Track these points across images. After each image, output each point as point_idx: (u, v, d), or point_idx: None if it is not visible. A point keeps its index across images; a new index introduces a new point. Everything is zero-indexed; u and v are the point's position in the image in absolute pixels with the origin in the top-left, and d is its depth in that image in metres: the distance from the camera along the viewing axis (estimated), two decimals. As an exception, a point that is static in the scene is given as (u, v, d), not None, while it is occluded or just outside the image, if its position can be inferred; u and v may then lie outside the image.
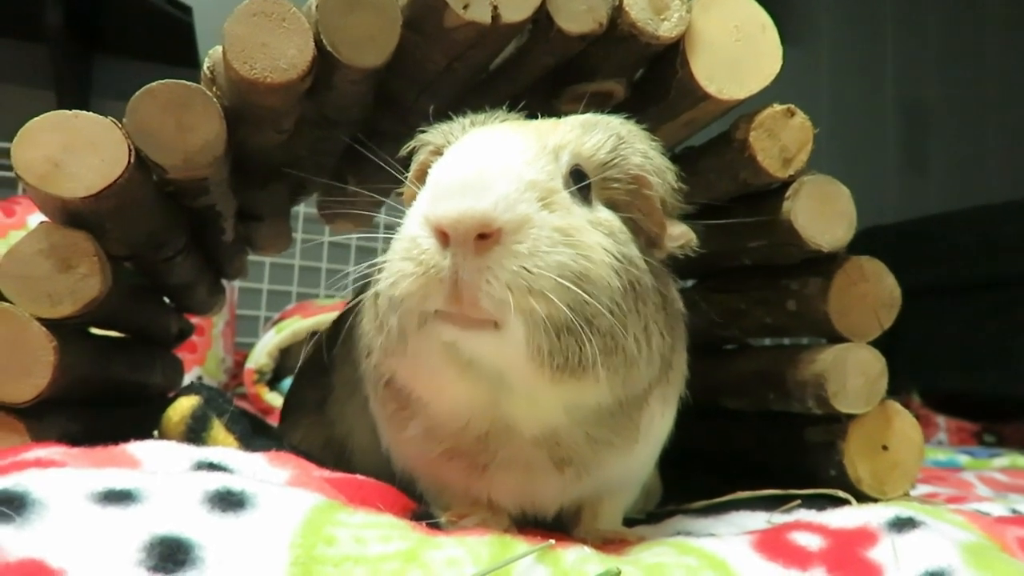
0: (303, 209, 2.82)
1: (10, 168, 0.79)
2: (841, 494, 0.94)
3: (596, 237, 0.68)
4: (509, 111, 0.81)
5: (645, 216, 0.76)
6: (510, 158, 0.67)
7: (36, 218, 2.10)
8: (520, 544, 0.62)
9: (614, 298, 0.67)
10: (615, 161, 0.74)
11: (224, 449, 0.79)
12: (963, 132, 4.21)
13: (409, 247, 0.65)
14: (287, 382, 2.38)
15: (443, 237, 0.63)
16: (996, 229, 2.98)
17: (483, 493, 0.76)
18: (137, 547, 0.52)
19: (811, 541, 0.72)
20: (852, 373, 0.97)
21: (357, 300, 0.80)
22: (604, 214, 0.72)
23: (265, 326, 2.79)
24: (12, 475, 0.58)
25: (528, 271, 0.62)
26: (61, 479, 0.58)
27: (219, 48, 0.84)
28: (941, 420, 2.90)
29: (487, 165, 0.65)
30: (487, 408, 0.71)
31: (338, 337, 1.03)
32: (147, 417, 1.03)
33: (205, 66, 0.88)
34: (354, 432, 0.98)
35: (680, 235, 0.77)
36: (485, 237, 0.62)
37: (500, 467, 0.74)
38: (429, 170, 0.71)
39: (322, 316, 2.46)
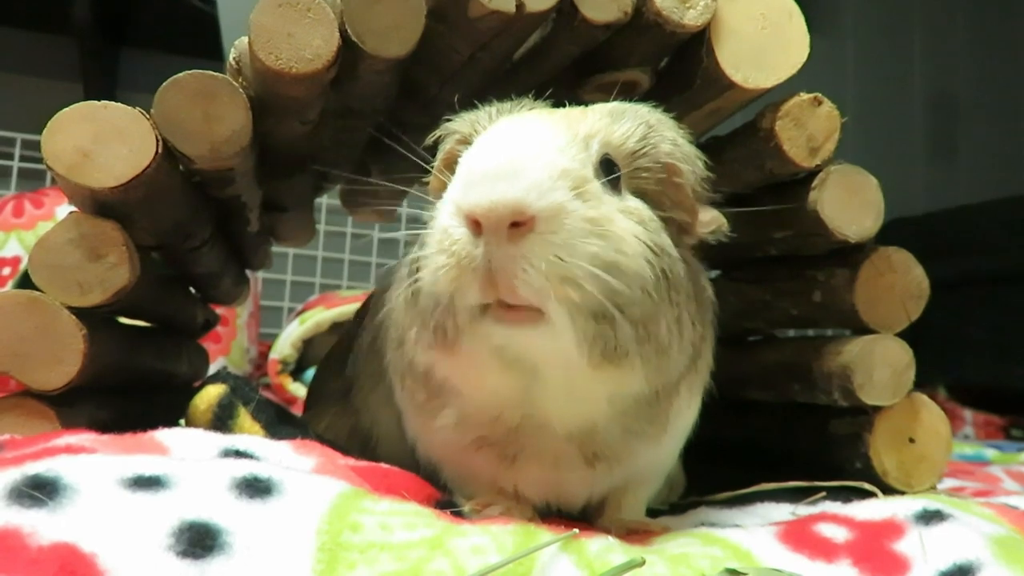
0: (326, 200, 2.86)
1: (39, 160, 0.80)
2: (867, 486, 0.93)
3: (628, 226, 0.68)
4: (534, 101, 0.81)
5: (674, 204, 0.75)
6: (542, 145, 0.66)
7: (64, 209, 2.13)
8: (544, 533, 0.62)
9: (646, 288, 0.66)
10: (644, 149, 0.74)
11: (250, 437, 0.79)
12: (992, 122, 4.14)
13: (442, 239, 0.65)
14: (310, 372, 2.40)
15: (475, 226, 0.62)
16: (1025, 220, 2.93)
17: (510, 483, 0.77)
18: (166, 532, 0.53)
19: (837, 533, 0.71)
20: (879, 365, 0.96)
21: (381, 289, 0.80)
22: (634, 203, 0.72)
23: (288, 317, 2.81)
24: (44, 461, 0.59)
25: (562, 260, 0.62)
26: (91, 465, 0.59)
27: (245, 39, 0.84)
28: (968, 414, 2.86)
29: (519, 152, 0.64)
30: (520, 401, 0.71)
31: (362, 327, 1.04)
32: (174, 405, 1.04)
33: (231, 57, 0.88)
34: (379, 421, 0.99)
35: (711, 220, 0.77)
36: (518, 225, 0.61)
37: (529, 459, 0.74)
38: (456, 159, 0.71)
39: (345, 307, 2.47)
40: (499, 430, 0.74)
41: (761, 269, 1.15)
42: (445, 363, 0.72)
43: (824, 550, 0.68)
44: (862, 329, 0.99)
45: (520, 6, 0.84)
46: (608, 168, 0.71)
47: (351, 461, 0.79)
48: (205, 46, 2.54)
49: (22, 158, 2.69)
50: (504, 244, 0.62)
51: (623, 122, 0.74)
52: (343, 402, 1.07)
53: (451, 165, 0.73)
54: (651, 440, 0.76)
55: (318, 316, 2.50)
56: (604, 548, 0.62)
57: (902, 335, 0.99)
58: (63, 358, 0.81)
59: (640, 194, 0.74)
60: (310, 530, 0.56)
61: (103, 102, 0.81)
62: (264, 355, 2.61)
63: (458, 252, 0.63)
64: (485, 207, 0.61)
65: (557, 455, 0.74)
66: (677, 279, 0.71)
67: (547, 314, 0.63)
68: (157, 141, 0.81)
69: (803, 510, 0.87)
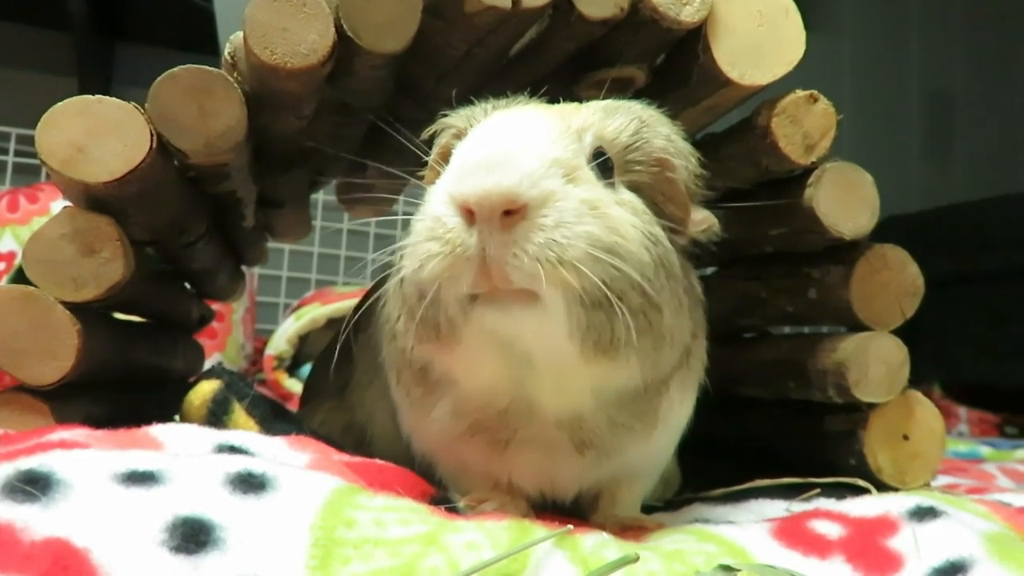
0: (322, 196, 2.86)
1: (34, 154, 0.80)
2: (861, 483, 0.93)
3: (623, 212, 0.68)
4: (530, 97, 0.81)
5: (668, 200, 0.76)
6: (535, 137, 0.67)
7: (59, 204, 2.12)
8: (539, 529, 0.62)
9: (646, 273, 0.66)
10: (638, 144, 0.74)
11: (245, 432, 0.79)
12: (988, 119, 4.14)
13: (433, 227, 0.65)
14: (306, 368, 2.40)
15: (468, 215, 0.63)
16: (1021, 219, 2.94)
17: (503, 474, 0.77)
18: (160, 527, 0.53)
19: (831, 529, 0.71)
20: (874, 362, 0.96)
21: (377, 286, 0.80)
22: (628, 196, 0.72)
23: (284, 313, 2.81)
24: (37, 456, 0.58)
25: (556, 242, 0.62)
26: (85, 460, 0.59)
27: (240, 34, 0.84)
28: (962, 411, 2.87)
29: (512, 143, 0.65)
30: (512, 385, 0.70)
31: (358, 323, 1.04)
32: (169, 401, 1.04)
33: (226, 52, 0.88)
34: (374, 417, 0.99)
35: (702, 220, 0.77)
36: (511, 213, 0.62)
37: (521, 446, 0.74)
38: (451, 153, 0.71)
39: (341, 303, 2.47)
40: (490, 413, 0.74)
41: (757, 266, 1.15)
42: (446, 358, 0.71)
43: (818, 547, 0.68)
44: (857, 326, 0.99)
45: (516, 2, 0.83)
46: (601, 161, 0.71)
47: (346, 457, 0.79)
48: (201, 41, 2.54)
49: (16, 153, 2.68)
50: (497, 232, 0.62)
51: (616, 117, 0.75)
52: (338, 398, 1.07)
53: (446, 158, 0.73)
54: (639, 436, 0.76)
55: (314, 312, 2.50)
56: (598, 544, 0.62)
57: (897, 332, 0.99)
58: (57, 353, 0.81)
59: (634, 189, 0.74)
60: (304, 526, 0.56)
61: (97, 97, 0.81)
62: (260, 351, 2.61)
63: (452, 240, 0.63)
64: (478, 195, 0.62)
65: (548, 441, 0.74)
66: (674, 269, 0.71)
67: (541, 297, 0.63)
68: (152, 136, 0.81)
69: (797, 507, 0.88)
